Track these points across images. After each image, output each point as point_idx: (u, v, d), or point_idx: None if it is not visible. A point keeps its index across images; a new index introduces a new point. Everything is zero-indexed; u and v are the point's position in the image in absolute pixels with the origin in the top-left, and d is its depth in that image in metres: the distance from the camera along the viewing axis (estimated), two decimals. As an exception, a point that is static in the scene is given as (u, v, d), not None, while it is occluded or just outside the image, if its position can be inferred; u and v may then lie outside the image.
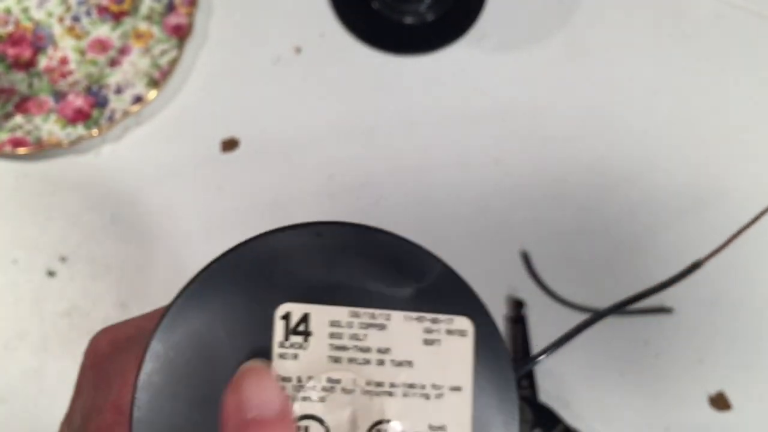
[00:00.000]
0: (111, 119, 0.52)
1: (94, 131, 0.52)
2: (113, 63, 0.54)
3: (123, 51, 0.55)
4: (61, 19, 0.56)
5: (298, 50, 0.56)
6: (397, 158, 0.52)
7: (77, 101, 0.53)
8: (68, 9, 0.57)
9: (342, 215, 0.51)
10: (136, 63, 0.54)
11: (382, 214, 0.51)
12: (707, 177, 0.52)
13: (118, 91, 0.53)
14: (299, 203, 0.51)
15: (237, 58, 0.56)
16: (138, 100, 0.52)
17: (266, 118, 0.54)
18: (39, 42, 0.56)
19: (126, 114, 0.52)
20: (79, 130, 0.52)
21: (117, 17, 0.56)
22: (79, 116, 0.53)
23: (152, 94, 0.53)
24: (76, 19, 0.56)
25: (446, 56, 0.54)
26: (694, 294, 0.48)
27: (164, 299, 0.52)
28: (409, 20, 0.55)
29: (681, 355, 0.47)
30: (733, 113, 0.53)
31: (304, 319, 0.23)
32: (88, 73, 0.55)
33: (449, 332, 0.23)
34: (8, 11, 0.57)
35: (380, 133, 0.53)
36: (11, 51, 0.56)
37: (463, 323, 0.23)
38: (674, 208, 0.51)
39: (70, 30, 0.56)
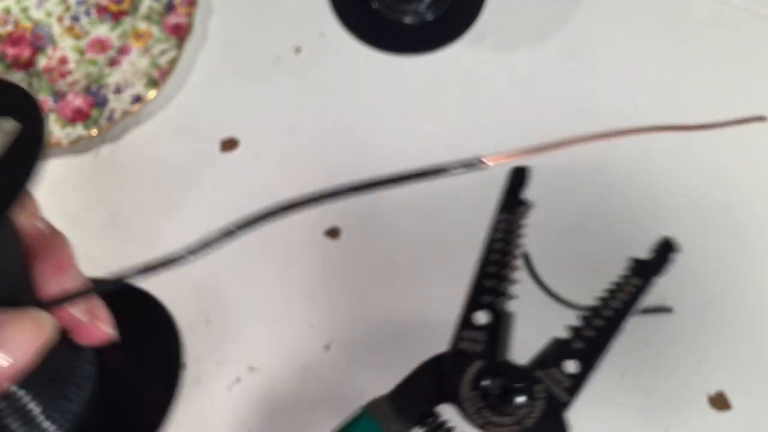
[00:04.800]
0: (110, 119, 0.52)
1: (94, 131, 0.52)
2: (112, 63, 0.54)
3: (122, 51, 0.55)
4: (60, 19, 0.56)
5: (298, 50, 0.56)
6: (397, 158, 0.52)
7: (76, 101, 0.53)
8: (67, 9, 0.57)
9: (341, 214, 0.51)
10: (135, 63, 0.54)
11: (382, 213, 0.51)
12: (707, 177, 0.51)
13: (118, 90, 0.53)
14: (299, 203, 0.51)
15: (237, 58, 0.56)
16: (137, 99, 0.52)
17: (266, 118, 0.54)
18: (38, 42, 0.56)
19: (125, 114, 0.52)
20: (79, 129, 0.52)
21: (116, 17, 0.56)
22: (79, 116, 0.53)
23: (152, 93, 0.53)
24: (75, 18, 0.56)
25: (446, 56, 0.54)
26: (694, 294, 0.48)
27: (163, 299, 0.52)
28: (408, 20, 0.55)
29: (681, 355, 0.47)
30: (733, 113, 0.53)
31: None
32: (88, 72, 0.55)
33: None
34: (7, 11, 0.56)
35: (380, 132, 0.53)
36: (10, 51, 0.56)
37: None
38: (674, 208, 0.51)
39: (70, 30, 0.56)
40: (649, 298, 0.48)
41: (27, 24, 0.56)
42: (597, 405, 0.46)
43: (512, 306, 0.36)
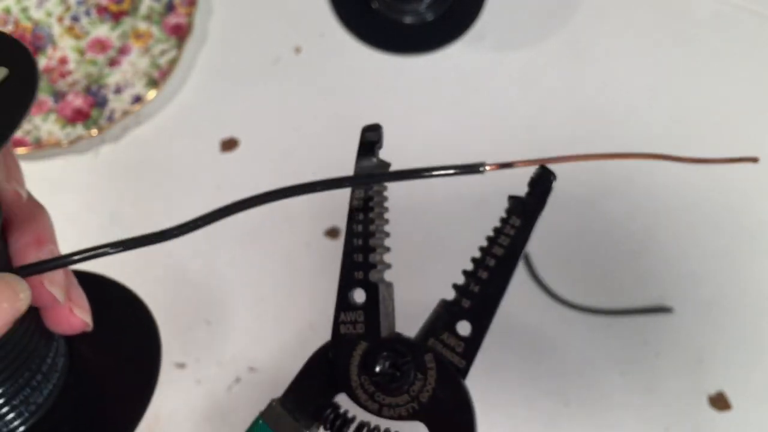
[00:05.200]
0: (110, 119, 0.52)
1: (94, 131, 0.52)
2: (112, 63, 0.54)
3: (122, 51, 0.55)
4: (60, 19, 0.56)
5: (298, 50, 0.55)
6: (396, 158, 0.52)
7: (76, 101, 0.53)
8: (67, 9, 0.57)
9: (342, 214, 0.51)
10: (135, 63, 0.54)
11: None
12: (707, 177, 0.51)
13: (118, 90, 0.53)
14: (299, 203, 0.51)
15: (237, 58, 0.56)
16: (137, 99, 0.52)
17: (266, 118, 0.54)
18: (38, 42, 0.56)
19: (125, 114, 0.52)
20: (79, 129, 0.52)
21: (116, 17, 0.56)
22: (79, 116, 0.53)
23: (151, 93, 0.53)
24: (75, 18, 0.56)
25: (446, 56, 0.54)
26: (694, 294, 0.48)
27: (163, 299, 0.52)
28: (408, 20, 0.55)
29: (681, 355, 0.47)
30: (733, 113, 0.53)
31: None
32: (88, 72, 0.55)
33: None
34: (8, 11, 0.56)
35: (380, 133, 0.53)
36: (10, 51, 0.56)
37: None
38: (674, 208, 0.51)
39: (70, 30, 0.56)
40: (649, 298, 0.48)
41: (27, 24, 0.56)
42: (597, 405, 0.46)
43: (392, 275, 0.33)
